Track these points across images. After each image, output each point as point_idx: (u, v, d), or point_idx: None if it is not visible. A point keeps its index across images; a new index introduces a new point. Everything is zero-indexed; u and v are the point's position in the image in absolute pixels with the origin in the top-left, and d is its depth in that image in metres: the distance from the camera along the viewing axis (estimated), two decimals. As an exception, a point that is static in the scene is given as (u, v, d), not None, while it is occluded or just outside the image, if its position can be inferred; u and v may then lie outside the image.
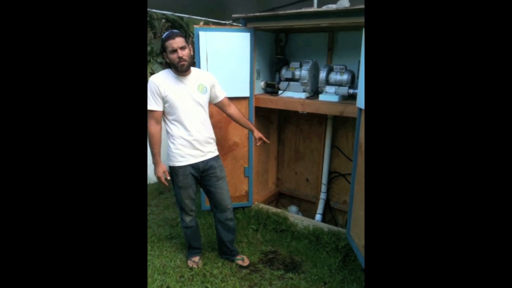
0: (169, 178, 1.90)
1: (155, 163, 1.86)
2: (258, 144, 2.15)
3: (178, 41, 1.72)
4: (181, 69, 1.76)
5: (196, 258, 2.15)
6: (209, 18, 4.18)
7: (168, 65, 1.84)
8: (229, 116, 2.10)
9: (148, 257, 2.19)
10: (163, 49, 1.77)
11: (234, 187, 2.66)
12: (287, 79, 2.60)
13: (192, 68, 1.86)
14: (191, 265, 2.11)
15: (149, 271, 2.05)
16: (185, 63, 1.75)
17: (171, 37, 1.73)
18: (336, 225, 2.84)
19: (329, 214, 3.02)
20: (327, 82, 2.43)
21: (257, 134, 2.12)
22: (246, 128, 2.21)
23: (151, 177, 3.52)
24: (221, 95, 2.00)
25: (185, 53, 1.74)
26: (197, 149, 1.88)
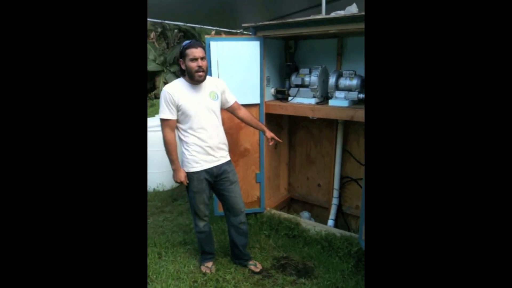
0: (187, 182, 1.94)
1: (175, 168, 1.91)
2: (270, 144, 2.18)
3: (200, 51, 1.79)
4: (198, 79, 1.82)
5: (209, 264, 2.18)
6: (220, 27, 4.28)
7: (182, 72, 1.90)
8: (240, 119, 2.15)
9: (162, 263, 2.24)
10: (182, 55, 1.83)
11: (246, 193, 2.69)
12: (296, 85, 2.63)
13: None
14: (204, 271, 2.14)
15: (163, 276, 2.09)
16: (203, 73, 1.81)
17: (193, 45, 1.79)
18: (349, 230, 2.82)
19: (342, 219, 3.00)
20: (337, 88, 2.44)
21: (269, 134, 2.16)
22: (257, 129, 2.26)
23: (165, 184, 3.60)
24: (231, 100, 2.05)
25: (204, 64, 1.80)
26: (211, 154, 1.93)
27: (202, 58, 1.79)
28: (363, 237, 2.15)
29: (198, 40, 4.19)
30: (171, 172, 1.95)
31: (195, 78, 1.82)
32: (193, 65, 1.79)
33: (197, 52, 1.78)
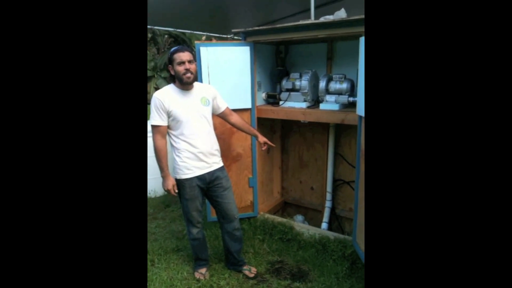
0: (177, 191, 1.93)
1: (164, 176, 1.90)
2: (263, 149, 2.18)
3: (187, 55, 1.80)
4: (186, 81, 1.81)
5: (203, 270, 2.16)
6: (211, 33, 4.28)
7: (172, 78, 1.90)
8: (233, 125, 2.15)
9: (155, 270, 2.21)
10: (170, 61, 1.84)
11: (239, 197, 2.68)
12: (287, 90, 2.65)
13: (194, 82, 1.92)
14: (198, 277, 2.12)
15: (156, 284, 2.06)
16: (191, 76, 1.81)
17: (180, 50, 1.81)
18: (343, 232, 2.83)
19: (336, 222, 3.01)
20: (327, 91, 2.47)
21: (262, 138, 2.16)
22: (250, 134, 2.26)
23: (157, 190, 3.56)
24: (223, 105, 2.05)
25: (192, 67, 1.81)
26: (203, 161, 1.92)
27: (189, 61, 1.80)
28: (357, 240, 2.16)
29: (188, 45, 4.18)
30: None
31: (183, 81, 1.81)
32: (181, 68, 1.79)
33: (184, 55, 1.79)
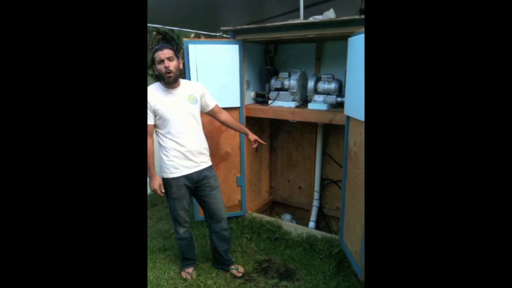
0: (163, 190, 1.91)
1: (150, 176, 1.87)
2: (254, 146, 2.18)
3: (166, 52, 1.76)
4: (167, 80, 1.79)
5: (190, 269, 2.14)
6: (200, 30, 4.24)
7: (158, 77, 1.88)
8: (222, 123, 2.13)
9: (142, 270, 2.18)
10: (153, 61, 1.81)
11: (227, 196, 2.67)
12: (276, 89, 2.65)
13: (181, 80, 1.89)
14: (185, 277, 2.11)
15: (142, 284, 2.03)
16: (172, 74, 1.78)
17: (159, 49, 1.78)
18: (330, 231, 2.86)
19: (323, 221, 3.03)
20: (316, 91, 2.48)
21: (252, 136, 2.15)
22: (240, 132, 2.25)
23: (144, 189, 3.52)
24: (212, 103, 2.03)
25: (171, 64, 1.77)
26: (190, 160, 1.90)
27: (168, 58, 1.76)
28: (344, 239, 2.18)
29: (177, 42, 4.13)
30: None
31: (165, 80, 1.80)
32: (161, 67, 1.77)
33: (162, 53, 1.76)
